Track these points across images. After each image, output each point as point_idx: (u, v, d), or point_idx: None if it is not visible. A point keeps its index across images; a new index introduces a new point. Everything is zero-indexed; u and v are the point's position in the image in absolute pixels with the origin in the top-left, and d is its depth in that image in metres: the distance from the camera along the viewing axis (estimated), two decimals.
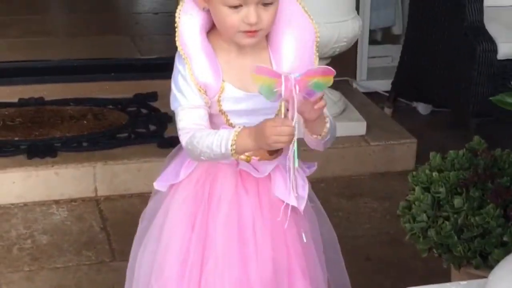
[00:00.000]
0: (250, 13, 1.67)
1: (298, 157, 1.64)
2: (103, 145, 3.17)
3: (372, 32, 4.08)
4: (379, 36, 4.22)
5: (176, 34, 1.73)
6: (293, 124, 1.61)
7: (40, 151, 3.08)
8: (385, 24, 4.16)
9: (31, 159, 3.05)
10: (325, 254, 1.95)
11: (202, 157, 1.70)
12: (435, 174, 2.07)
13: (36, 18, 4.71)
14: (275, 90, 1.59)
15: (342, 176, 3.30)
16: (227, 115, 1.76)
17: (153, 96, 3.60)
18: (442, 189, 2.01)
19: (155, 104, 3.54)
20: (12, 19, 4.61)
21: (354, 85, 4.01)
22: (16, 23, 4.55)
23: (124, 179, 3.09)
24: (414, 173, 2.16)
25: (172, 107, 1.75)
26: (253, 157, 1.73)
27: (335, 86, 3.77)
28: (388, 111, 3.88)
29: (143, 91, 3.65)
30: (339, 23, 3.21)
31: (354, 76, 4.03)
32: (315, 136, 1.71)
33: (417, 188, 2.07)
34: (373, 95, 3.98)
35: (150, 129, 3.33)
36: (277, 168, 1.77)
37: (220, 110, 1.75)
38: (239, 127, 1.67)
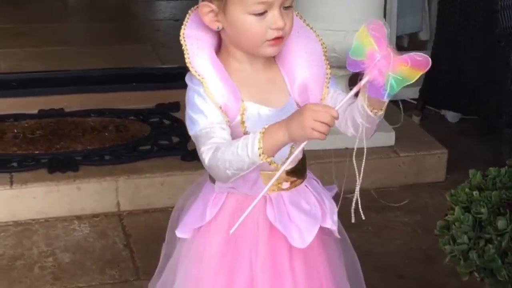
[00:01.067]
0: (276, 17, 1.58)
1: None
2: (125, 159, 3.09)
3: (398, 38, 3.98)
4: (406, 42, 4.12)
5: (186, 56, 1.63)
6: (337, 115, 1.49)
7: (61, 165, 3.01)
8: (412, 30, 4.06)
9: (52, 173, 2.97)
10: (349, 282, 1.85)
11: (227, 171, 1.56)
12: (475, 193, 1.96)
13: (53, 27, 4.64)
14: (365, 53, 1.46)
15: (371, 188, 3.20)
16: None
17: (176, 106, 3.51)
18: (484, 210, 1.91)
19: (177, 115, 3.46)
20: (28, 28, 4.54)
21: None
22: (33, 32, 4.48)
23: (147, 193, 3.01)
24: (453, 191, 2.06)
25: (191, 132, 1.63)
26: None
27: None
28: (416, 119, 3.78)
29: (165, 101, 3.57)
30: None
31: None
32: (375, 111, 1.57)
33: (456, 208, 1.97)
34: (400, 103, 3.87)
35: (173, 141, 3.25)
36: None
37: (245, 132, 1.64)
38: (267, 124, 1.55)
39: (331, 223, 1.70)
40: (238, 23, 1.59)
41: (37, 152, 3.11)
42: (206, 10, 1.62)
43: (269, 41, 1.60)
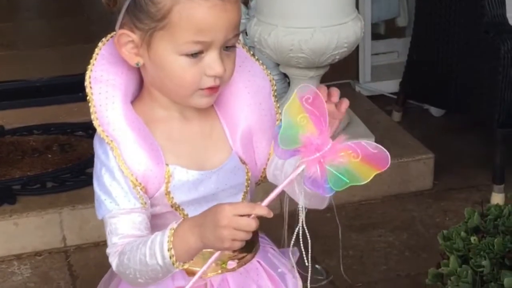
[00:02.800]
0: (215, 62, 1.22)
1: None
2: (70, 185, 2.73)
3: (374, 26, 3.60)
4: (382, 29, 3.74)
5: (91, 110, 1.27)
6: (267, 213, 1.14)
7: None
8: (388, 16, 3.67)
9: None
10: None
11: (140, 280, 1.23)
12: (474, 239, 1.62)
13: None
14: (300, 140, 1.12)
15: (350, 202, 2.85)
16: (183, 210, 1.30)
17: None
18: (485, 262, 1.56)
19: None
20: None
21: (357, 88, 3.54)
22: None
23: (96, 224, 2.63)
24: (445, 232, 1.71)
25: (98, 216, 1.28)
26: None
27: None
28: (397, 115, 3.43)
29: None
30: (338, 26, 2.74)
31: (356, 77, 3.55)
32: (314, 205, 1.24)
33: (452, 258, 1.62)
34: (379, 98, 3.52)
35: None
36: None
37: (173, 205, 1.29)
38: (176, 222, 1.20)
39: None
40: (165, 63, 1.23)
41: None
42: (124, 40, 1.25)
43: (202, 90, 1.24)
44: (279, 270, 1.38)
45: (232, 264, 1.33)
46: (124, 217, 1.25)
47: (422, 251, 2.59)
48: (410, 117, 3.46)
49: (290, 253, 1.29)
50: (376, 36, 3.66)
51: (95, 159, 1.29)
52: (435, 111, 3.48)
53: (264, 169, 1.39)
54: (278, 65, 3.01)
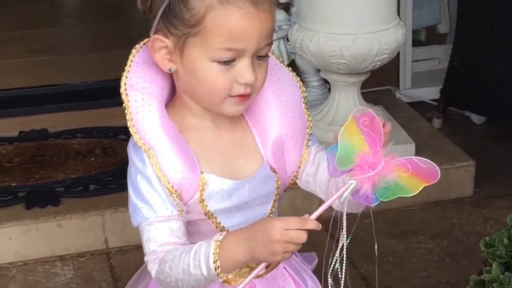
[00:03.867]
0: (246, 70, 1.23)
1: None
2: (112, 188, 2.76)
3: (414, 32, 3.59)
4: (423, 36, 3.73)
5: (128, 117, 1.28)
6: (317, 227, 1.16)
7: (40, 199, 2.68)
8: (430, 22, 3.66)
9: (30, 209, 2.65)
10: None
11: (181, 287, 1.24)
12: None
13: (42, 32, 4.30)
14: (355, 160, 1.15)
15: (389, 208, 2.85)
16: (216, 218, 1.32)
17: None
18: None
19: None
20: (13, 35, 4.20)
21: (398, 95, 3.54)
22: (18, 39, 4.15)
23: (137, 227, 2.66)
24: (487, 239, 1.70)
25: (134, 223, 1.30)
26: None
27: (375, 98, 3.34)
28: (437, 122, 3.41)
29: None
30: (380, 33, 2.75)
31: (397, 84, 3.55)
32: (357, 210, 1.26)
33: (494, 265, 1.61)
34: (419, 105, 3.51)
35: None
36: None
37: (207, 213, 1.30)
38: (221, 234, 1.22)
39: None
40: (197, 69, 1.24)
41: (14, 184, 2.78)
42: (158, 46, 1.26)
43: (233, 97, 1.25)
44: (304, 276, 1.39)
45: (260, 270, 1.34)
46: (162, 224, 1.26)
47: (463, 259, 2.57)
48: (450, 124, 3.44)
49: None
50: (417, 42, 3.65)
51: (130, 165, 1.31)
52: (476, 118, 3.46)
53: (295, 176, 1.40)
54: (318, 71, 3.02)
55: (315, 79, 3.21)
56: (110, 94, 3.37)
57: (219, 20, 1.20)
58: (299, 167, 1.37)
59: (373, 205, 1.18)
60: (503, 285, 1.57)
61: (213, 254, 1.19)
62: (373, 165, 1.14)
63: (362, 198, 1.15)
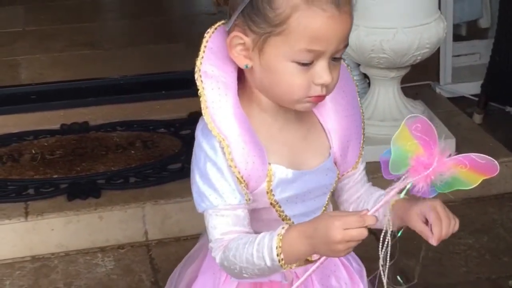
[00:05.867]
0: (323, 70, 1.23)
1: None
2: (153, 180, 2.78)
3: (455, 26, 3.57)
4: (464, 30, 3.70)
5: (203, 105, 1.28)
6: (375, 222, 1.16)
7: (81, 190, 2.71)
8: (471, 17, 3.63)
9: (72, 200, 2.68)
10: None
11: (245, 275, 1.26)
12: None
13: (83, 27, 4.34)
14: (409, 163, 1.16)
15: None
16: (280, 207, 1.33)
17: None
18: None
19: None
20: (55, 29, 4.25)
21: (438, 90, 3.51)
22: (60, 33, 4.20)
23: (177, 219, 2.69)
24: None
25: (200, 209, 1.31)
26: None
27: (415, 93, 3.32)
28: (478, 117, 3.38)
29: (199, 109, 3.22)
30: (421, 27, 2.73)
31: (437, 79, 3.52)
32: (395, 228, 1.26)
33: None
34: (459, 100, 3.48)
35: None
36: None
37: (272, 202, 1.31)
38: (283, 228, 1.22)
39: None
40: (276, 69, 1.24)
41: (55, 176, 2.82)
42: (235, 42, 1.26)
43: (309, 97, 1.25)
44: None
45: (315, 256, 1.35)
46: (230, 212, 1.27)
47: (503, 255, 2.55)
48: (491, 119, 3.41)
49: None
50: (457, 37, 3.62)
51: (198, 151, 1.30)
52: None
53: (347, 173, 1.41)
54: (358, 65, 3.01)
55: (355, 74, 3.20)
56: (149, 87, 3.43)
57: (304, 22, 1.20)
58: (356, 162, 1.39)
59: (431, 196, 1.20)
60: None
61: (276, 248, 1.21)
62: (429, 166, 1.15)
63: (420, 193, 1.17)
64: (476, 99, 3.42)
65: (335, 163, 1.37)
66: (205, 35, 1.31)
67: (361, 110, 1.39)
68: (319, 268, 1.34)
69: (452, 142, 2.89)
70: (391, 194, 1.18)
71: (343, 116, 1.36)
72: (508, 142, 3.05)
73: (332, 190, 1.39)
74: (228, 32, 1.27)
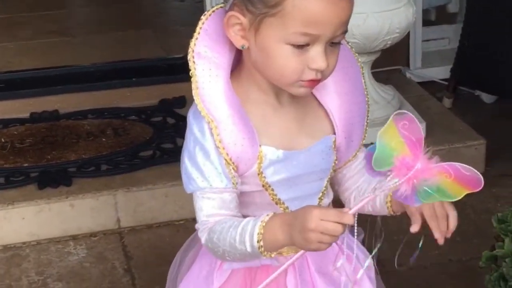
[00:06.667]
0: (319, 55, 1.22)
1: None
2: (124, 168, 2.77)
3: (424, 11, 3.58)
4: (433, 15, 3.72)
5: (193, 86, 1.27)
6: (352, 222, 1.17)
7: (52, 179, 2.70)
8: (439, 2, 3.66)
9: (43, 189, 2.66)
10: None
11: (228, 258, 1.27)
12: None
13: (52, 15, 4.30)
14: (393, 162, 1.15)
15: None
16: (273, 190, 1.32)
17: (181, 101, 3.18)
18: None
19: (182, 111, 3.11)
20: (23, 17, 4.21)
21: (408, 75, 3.54)
22: (29, 22, 4.16)
23: (149, 206, 2.68)
24: (500, 215, 1.71)
25: (187, 190, 1.30)
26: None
27: (386, 78, 3.34)
28: (447, 101, 3.41)
29: (169, 96, 3.23)
30: (390, 12, 2.74)
31: (407, 64, 3.55)
32: (395, 211, 1.33)
33: (506, 241, 1.63)
34: (429, 84, 3.50)
35: (178, 143, 2.91)
36: None
37: (264, 185, 1.31)
38: (267, 215, 1.23)
39: (369, 285, 1.37)
40: (270, 50, 1.23)
41: (26, 164, 2.80)
42: (233, 22, 1.26)
43: (302, 81, 1.25)
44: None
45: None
46: (215, 196, 1.28)
47: (474, 237, 2.58)
48: (461, 103, 3.44)
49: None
50: (427, 22, 3.64)
51: (188, 134, 1.30)
52: (486, 97, 3.46)
53: (348, 161, 1.41)
54: None
55: None
56: (119, 75, 3.41)
57: (299, 4, 1.19)
58: (356, 151, 1.39)
59: (416, 205, 1.20)
60: None
61: (258, 234, 1.21)
62: (412, 168, 1.15)
63: (402, 198, 1.16)
64: (446, 83, 3.45)
65: (339, 148, 1.36)
66: (202, 17, 1.30)
67: (366, 95, 1.38)
68: (317, 257, 1.35)
69: (422, 127, 2.90)
70: (374, 194, 1.19)
71: (346, 100, 1.35)
72: (477, 126, 3.07)
73: (330, 176, 1.38)
74: (227, 12, 1.27)
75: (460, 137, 2.96)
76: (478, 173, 1.14)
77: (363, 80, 1.38)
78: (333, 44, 1.24)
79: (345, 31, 1.24)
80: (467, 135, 2.98)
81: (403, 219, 2.67)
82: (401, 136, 1.14)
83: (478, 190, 1.15)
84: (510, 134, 3.17)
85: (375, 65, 2.99)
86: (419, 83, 3.49)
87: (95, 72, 3.46)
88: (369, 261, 1.38)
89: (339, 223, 1.15)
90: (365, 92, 1.38)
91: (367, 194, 1.27)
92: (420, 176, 1.13)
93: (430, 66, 3.56)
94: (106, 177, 2.73)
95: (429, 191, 1.13)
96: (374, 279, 1.40)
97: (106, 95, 3.29)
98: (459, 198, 1.15)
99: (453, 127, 3.04)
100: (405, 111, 1.17)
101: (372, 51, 2.82)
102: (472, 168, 1.14)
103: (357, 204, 1.19)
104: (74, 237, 2.64)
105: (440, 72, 3.52)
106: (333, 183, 1.43)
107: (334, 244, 1.36)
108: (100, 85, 3.35)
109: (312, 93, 1.33)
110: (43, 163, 2.80)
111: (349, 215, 1.16)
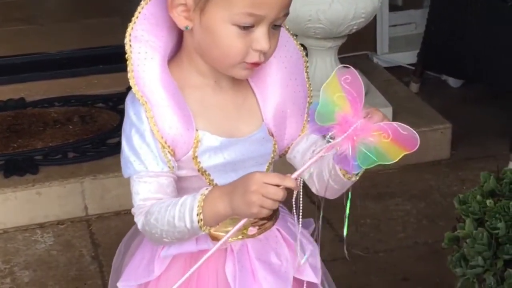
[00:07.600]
0: (263, 37, 1.23)
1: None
2: (91, 155, 2.76)
3: None
4: (400, 0, 3.74)
5: (129, 69, 1.27)
6: (297, 185, 1.17)
7: (18, 167, 2.68)
8: None
9: (9, 177, 2.64)
10: None
11: (165, 240, 1.26)
12: (489, 202, 1.64)
13: (18, 2, 4.24)
14: (335, 117, 1.15)
15: (367, 171, 2.83)
16: (209, 175, 1.32)
17: None
18: (500, 224, 1.58)
19: None
20: None
21: (375, 60, 3.56)
22: None
23: (117, 194, 2.67)
24: (461, 196, 1.73)
25: (125, 175, 1.30)
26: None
27: (353, 63, 3.33)
28: (414, 86, 3.44)
29: None
30: None
31: (374, 49, 3.56)
32: (349, 175, 1.25)
33: (467, 221, 1.64)
34: (396, 69, 3.53)
35: None
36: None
37: (200, 169, 1.31)
38: (207, 189, 1.23)
39: (313, 276, 1.37)
40: (215, 30, 1.23)
41: None
42: (177, 2, 1.25)
43: (246, 63, 1.25)
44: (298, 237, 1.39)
45: (252, 230, 1.35)
46: (152, 179, 1.27)
47: (440, 220, 2.61)
48: (428, 88, 3.47)
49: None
50: (393, 7, 3.66)
51: (125, 119, 1.30)
52: (453, 82, 3.49)
53: (291, 146, 1.40)
54: (296, 36, 3.02)
55: None
56: (86, 62, 3.39)
57: None
58: (299, 136, 1.38)
59: (355, 172, 1.20)
60: (476, 241, 1.60)
61: (197, 207, 1.21)
62: (352, 125, 1.15)
63: (343, 162, 1.16)
64: (413, 68, 3.47)
65: (274, 135, 1.37)
66: (142, 2, 1.30)
67: (307, 82, 1.38)
68: (257, 244, 1.35)
69: (389, 111, 2.94)
70: (317, 157, 1.18)
71: (280, 86, 1.35)
72: (444, 110, 3.10)
73: (271, 161, 1.38)
74: None
75: (426, 121, 2.98)
76: (415, 132, 1.15)
77: (304, 68, 1.37)
78: (275, 26, 1.25)
79: (287, 14, 1.25)
80: (434, 119, 3.01)
81: (368, 203, 2.70)
82: (343, 90, 1.14)
83: (414, 150, 1.16)
84: (475, 118, 3.21)
85: (342, 50, 2.99)
86: (386, 68, 3.51)
87: (61, 59, 3.43)
88: (311, 249, 1.38)
89: (280, 186, 1.15)
90: (307, 81, 1.37)
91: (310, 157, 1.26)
92: (360, 134, 1.13)
93: (397, 51, 3.58)
94: (73, 165, 2.72)
95: (368, 153, 1.14)
96: (318, 268, 1.39)
97: (73, 83, 3.27)
98: (397, 160, 1.16)
99: (420, 111, 3.06)
100: (349, 66, 1.17)
101: (338, 36, 2.82)
102: (409, 127, 1.15)
103: (299, 170, 1.19)
104: (41, 225, 2.63)
105: (407, 57, 3.55)
106: (294, 165, 1.42)
107: (276, 231, 1.38)
108: (66, 73, 3.33)
109: (247, 80, 1.34)
110: (9, 151, 2.78)
111: (290, 179, 1.17)
